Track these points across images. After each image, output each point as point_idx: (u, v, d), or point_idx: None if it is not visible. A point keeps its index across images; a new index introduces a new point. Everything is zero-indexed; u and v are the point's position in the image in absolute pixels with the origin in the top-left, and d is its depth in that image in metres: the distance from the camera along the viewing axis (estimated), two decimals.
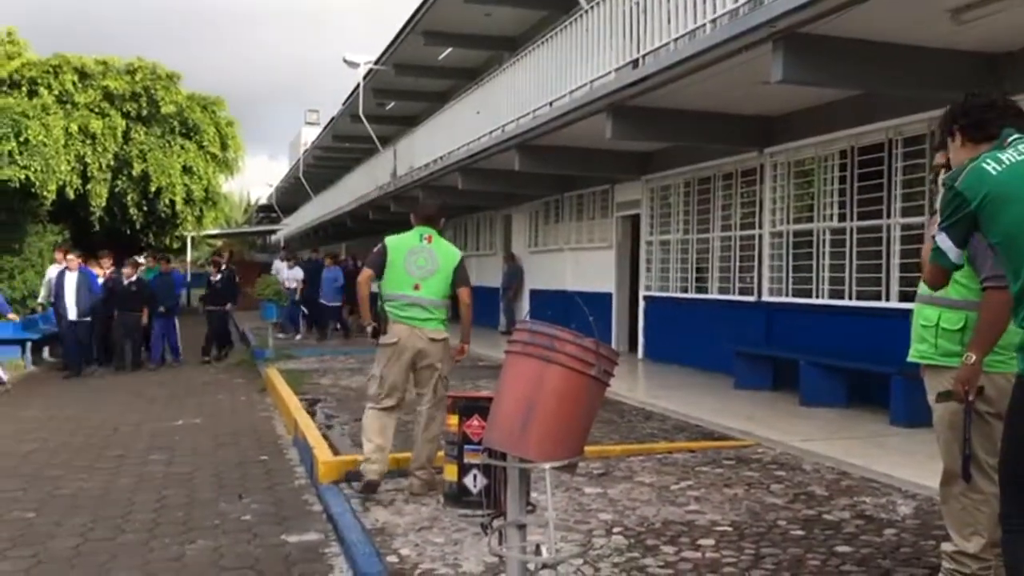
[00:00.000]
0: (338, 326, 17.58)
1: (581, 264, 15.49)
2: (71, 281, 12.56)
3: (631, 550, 4.29)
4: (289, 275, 17.47)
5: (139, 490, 5.90)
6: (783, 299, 10.21)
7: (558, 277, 16.18)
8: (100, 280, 13.24)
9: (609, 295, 14.19)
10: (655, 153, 12.71)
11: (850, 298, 9.09)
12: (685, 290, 12.26)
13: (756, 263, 10.67)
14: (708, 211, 11.72)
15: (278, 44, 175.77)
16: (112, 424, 8.46)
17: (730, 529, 4.63)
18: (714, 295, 11.55)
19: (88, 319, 12.64)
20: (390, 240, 5.52)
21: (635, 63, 9.36)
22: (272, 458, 6.96)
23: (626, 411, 8.42)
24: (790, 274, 10.10)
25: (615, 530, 4.61)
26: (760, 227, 10.62)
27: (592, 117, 10.18)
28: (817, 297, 9.60)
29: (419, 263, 5.40)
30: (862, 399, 8.50)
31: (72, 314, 12.45)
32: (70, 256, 12.96)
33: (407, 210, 6.72)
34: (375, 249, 5.60)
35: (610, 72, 9.89)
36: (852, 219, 9.11)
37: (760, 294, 10.59)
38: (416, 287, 5.37)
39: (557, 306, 14.03)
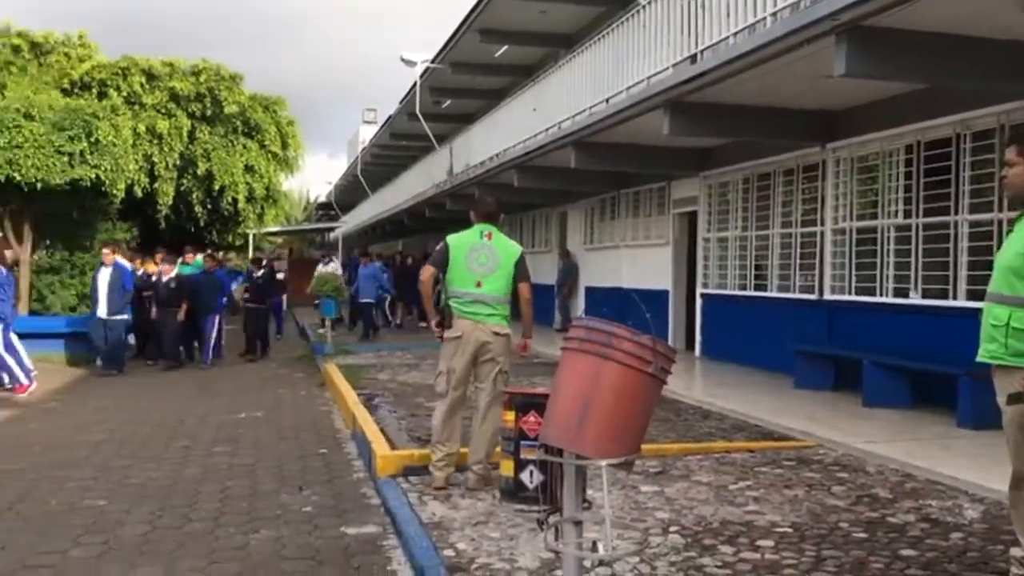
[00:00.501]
0: (375, 324, 17.54)
1: (637, 261, 15.40)
2: (103, 278, 12.34)
3: (688, 549, 4.26)
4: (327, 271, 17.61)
5: (204, 480, 6.05)
6: (846, 297, 10.01)
7: (614, 274, 16.11)
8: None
9: (666, 292, 14.08)
10: (713, 149, 12.57)
11: (915, 296, 8.88)
12: (744, 288, 12.10)
13: (818, 260, 10.48)
14: (768, 207, 11.55)
15: (338, 44, 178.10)
16: (178, 416, 8.69)
17: (790, 530, 4.57)
18: (774, 293, 11.38)
19: (123, 317, 12.41)
20: (452, 238, 5.58)
21: (693, 58, 9.26)
22: (331, 451, 7.08)
23: (683, 409, 8.36)
24: (853, 272, 9.89)
25: (672, 529, 4.59)
26: (822, 224, 10.43)
27: (649, 113, 10.11)
28: (881, 295, 9.39)
29: (480, 260, 5.45)
30: (927, 400, 8.29)
31: (103, 311, 12.18)
32: (104, 251, 12.80)
33: (463, 208, 6.76)
34: (437, 247, 5.68)
35: (667, 68, 9.80)
36: (918, 216, 8.88)
37: (822, 292, 10.40)
38: (478, 284, 5.43)
39: (613, 303, 14.00)
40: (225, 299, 14.23)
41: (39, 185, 14.03)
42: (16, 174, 13.78)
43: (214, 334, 13.79)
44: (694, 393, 9.36)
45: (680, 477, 5.75)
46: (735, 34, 8.36)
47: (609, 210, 16.82)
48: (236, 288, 16.52)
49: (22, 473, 6.21)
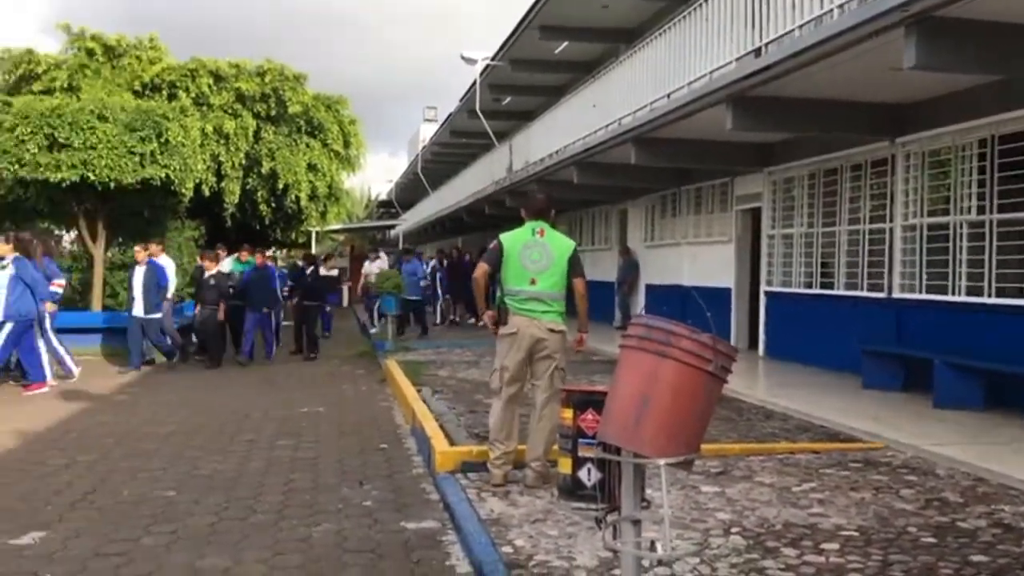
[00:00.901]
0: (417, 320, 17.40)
1: (699, 259, 15.21)
2: (137, 276, 12.27)
3: (750, 551, 4.19)
4: (370, 269, 17.56)
5: (268, 473, 6.17)
6: (916, 296, 9.74)
7: (675, 272, 15.95)
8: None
9: (728, 290, 13.88)
10: (778, 144, 12.34)
11: (989, 295, 8.58)
12: (809, 285, 11.86)
13: (886, 258, 10.21)
14: (834, 204, 11.30)
15: (400, 43, 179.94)
16: (243, 410, 8.87)
17: (856, 534, 4.47)
18: (840, 291, 11.13)
19: (157, 316, 12.24)
20: (505, 236, 5.59)
21: (757, 52, 9.11)
22: (391, 447, 7.15)
23: (745, 409, 8.23)
24: (923, 270, 9.62)
25: (733, 530, 4.52)
26: (891, 220, 10.16)
27: (711, 108, 9.97)
28: (953, 294, 9.10)
29: (533, 257, 5.45)
30: (1001, 402, 8.02)
31: (138, 310, 12.09)
32: (136, 248, 12.80)
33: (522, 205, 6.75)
34: (491, 245, 5.69)
35: (730, 62, 9.66)
36: (992, 212, 8.59)
37: (890, 290, 10.14)
38: (532, 281, 5.43)
39: (673, 301, 13.87)
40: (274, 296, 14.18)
41: (112, 185, 14.47)
42: (91, 174, 14.23)
43: (270, 331, 13.82)
44: (757, 393, 9.21)
45: (742, 478, 5.66)
46: (801, 27, 8.20)
47: (670, 207, 16.65)
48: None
49: (95, 464, 6.42)
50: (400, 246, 34.53)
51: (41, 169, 14.13)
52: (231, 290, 13.33)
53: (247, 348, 13.22)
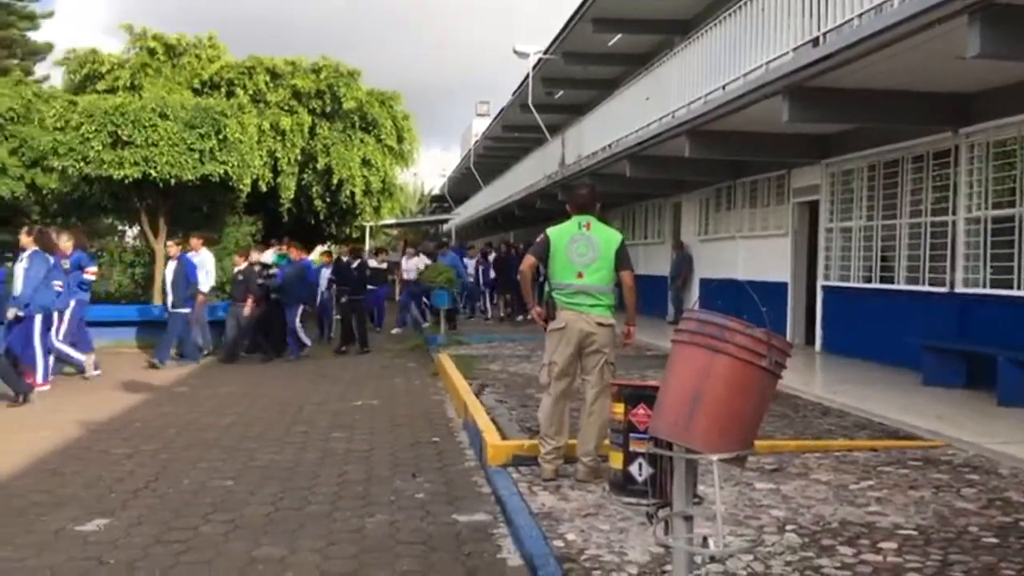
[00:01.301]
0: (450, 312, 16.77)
1: (754, 252, 15.00)
2: (169, 271, 12.27)
3: (805, 549, 4.13)
4: (407, 266, 17.16)
5: (323, 464, 6.27)
6: (979, 290, 9.47)
7: (729, 266, 15.75)
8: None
9: (784, 285, 13.66)
10: (836, 135, 12.10)
11: None
12: (868, 280, 11.61)
13: (949, 252, 9.95)
14: (895, 196, 11.04)
15: (453, 38, 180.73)
16: (298, 403, 9.02)
17: (915, 533, 4.37)
18: (901, 285, 10.88)
19: (184, 311, 12.12)
20: (552, 230, 5.58)
21: (815, 41, 8.94)
22: (443, 440, 7.21)
23: (801, 406, 8.10)
24: (988, 263, 9.35)
25: (788, 527, 4.46)
26: (954, 213, 9.89)
27: (767, 100, 9.82)
28: (1019, 288, 8.84)
29: (580, 251, 5.43)
30: None
31: (171, 304, 12.11)
32: (168, 243, 12.72)
33: None
34: (538, 239, 5.68)
35: (787, 52, 9.50)
36: None
37: (953, 285, 9.87)
38: (580, 275, 5.41)
39: (728, 296, 13.64)
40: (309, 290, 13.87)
41: (172, 181, 14.81)
42: (152, 171, 14.58)
43: (298, 325, 13.35)
44: (813, 389, 9.06)
45: (797, 475, 5.57)
46: (860, 15, 8.02)
47: (725, 200, 16.44)
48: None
49: (157, 453, 6.59)
50: (453, 240, 34.71)
51: (105, 166, 14.52)
52: (262, 286, 13.09)
53: (294, 347, 13.15)
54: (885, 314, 11.02)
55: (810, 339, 13.01)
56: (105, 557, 4.29)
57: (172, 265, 12.33)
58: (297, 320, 13.35)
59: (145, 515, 4.98)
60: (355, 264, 14.77)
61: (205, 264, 13.13)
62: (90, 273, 11.41)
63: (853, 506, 4.87)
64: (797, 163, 13.31)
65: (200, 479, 5.81)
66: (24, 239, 9.77)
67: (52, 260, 9.81)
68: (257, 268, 13.28)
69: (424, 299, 17.02)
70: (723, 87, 11.29)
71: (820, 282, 12.75)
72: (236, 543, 4.53)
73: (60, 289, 9.98)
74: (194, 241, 13.35)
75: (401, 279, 18.17)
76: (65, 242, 10.94)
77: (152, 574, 4.08)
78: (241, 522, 4.88)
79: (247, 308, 12.67)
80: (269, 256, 14.84)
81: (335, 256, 16.15)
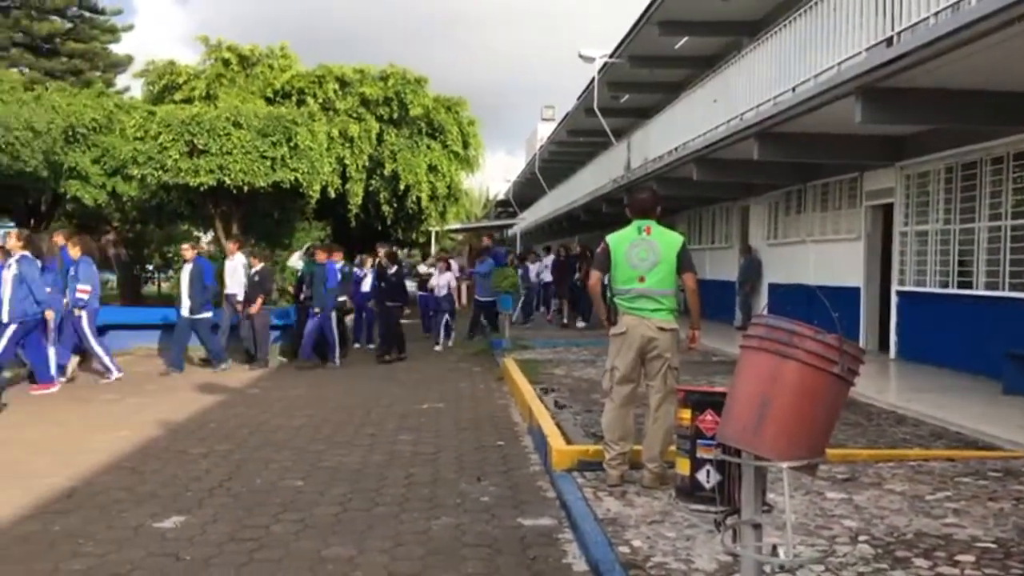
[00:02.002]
0: (482, 325, 15.83)
1: (825, 257, 14.68)
2: (184, 275, 11.84)
3: (878, 560, 4.03)
4: (438, 281, 15.56)
5: (390, 466, 6.35)
6: None
7: (799, 271, 15.44)
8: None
9: (856, 290, 13.34)
10: (911, 137, 11.77)
11: None
12: (945, 285, 11.26)
13: None
14: (973, 199, 10.68)
15: (518, 43, 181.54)
16: (366, 405, 9.15)
17: (994, 546, 4.23)
18: (980, 291, 10.51)
19: (206, 315, 11.71)
20: (611, 237, 5.56)
21: (889, 41, 8.72)
22: (508, 444, 7.23)
23: (875, 414, 7.90)
24: None
25: (861, 538, 4.35)
26: None
27: (839, 101, 9.61)
28: None
29: (641, 256, 5.40)
30: None
31: (185, 309, 11.64)
32: (184, 247, 12.31)
33: None
34: (598, 249, 5.67)
35: (860, 52, 9.29)
36: None
37: None
38: (641, 279, 5.38)
39: (797, 301, 13.43)
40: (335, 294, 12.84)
41: (245, 188, 15.20)
42: (226, 178, 15.00)
43: (330, 333, 12.61)
44: (887, 397, 8.82)
45: (871, 485, 5.44)
46: (936, 14, 7.80)
47: (795, 203, 16.13)
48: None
49: (231, 453, 6.76)
50: (517, 245, 34.78)
51: (182, 174, 15.01)
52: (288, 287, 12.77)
53: (307, 352, 12.49)
54: (963, 320, 10.67)
55: (884, 346, 12.67)
56: (182, 553, 4.42)
57: (187, 269, 11.82)
58: (332, 326, 12.60)
59: (219, 513, 5.12)
60: (392, 270, 14.09)
61: (237, 271, 12.57)
62: (82, 292, 10.44)
63: (929, 517, 4.73)
64: (870, 165, 12.99)
65: (271, 479, 5.95)
66: (12, 242, 9.68)
67: (40, 265, 9.75)
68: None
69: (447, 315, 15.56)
70: (793, 89, 11.10)
71: (895, 287, 12.42)
72: (306, 542, 4.62)
73: (85, 296, 10.27)
74: (231, 246, 13.13)
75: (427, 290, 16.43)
76: (72, 247, 10.70)
77: (226, 571, 4.19)
78: (311, 522, 4.98)
79: (253, 308, 12.20)
80: (294, 261, 14.36)
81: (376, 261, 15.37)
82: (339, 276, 13.08)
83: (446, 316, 15.50)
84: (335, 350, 12.72)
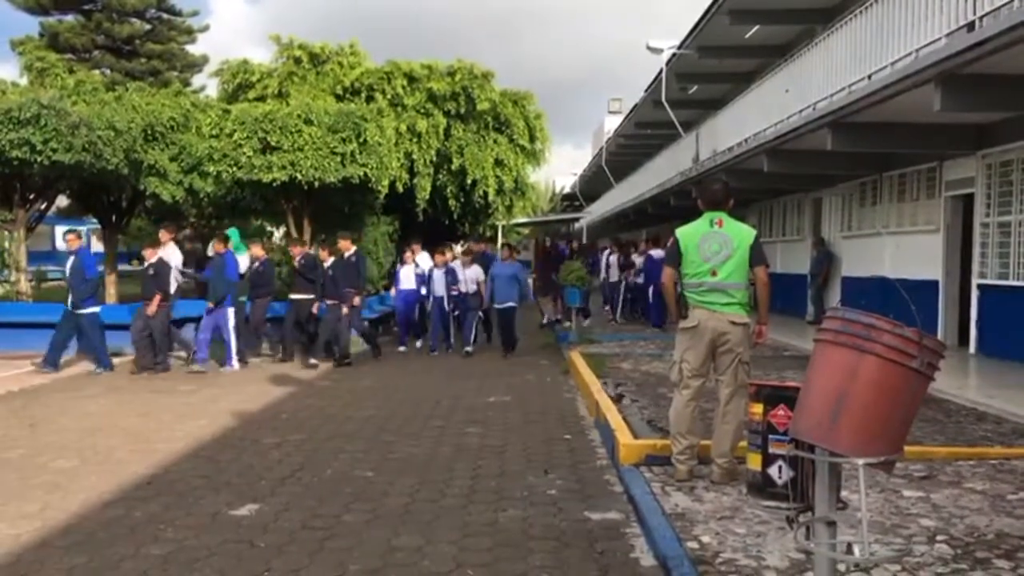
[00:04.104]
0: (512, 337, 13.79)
1: (902, 249, 14.26)
2: (67, 266, 11.02)
3: (957, 561, 3.91)
4: (467, 276, 13.80)
5: (457, 459, 6.41)
6: None
7: (875, 263, 15.03)
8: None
9: (935, 283, 12.93)
10: (993, 125, 11.34)
11: None
12: None
13: None
14: None
15: (586, 35, 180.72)
16: (434, 397, 9.24)
17: None
18: None
19: (90, 311, 10.75)
20: (681, 231, 5.49)
21: (970, 26, 8.43)
22: (575, 437, 7.22)
23: (953, 411, 7.66)
24: None
25: (939, 538, 4.23)
26: None
27: (917, 89, 9.32)
28: None
29: (713, 249, 5.32)
30: None
31: (69, 303, 10.81)
32: (69, 236, 11.17)
33: None
34: (669, 243, 5.60)
35: (939, 38, 9.00)
36: None
37: None
38: (713, 272, 5.30)
39: (873, 294, 13.08)
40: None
41: (316, 183, 15.47)
42: (298, 174, 15.29)
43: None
44: (967, 393, 8.53)
45: (949, 483, 5.28)
46: None
47: (870, 194, 15.71)
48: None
49: (303, 443, 6.91)
50: (584, 239, 34.64)
51: (255, 170, 15.35)
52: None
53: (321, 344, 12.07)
54: None
55: (964, 340, 12.26)
56: (256, 540, 4.54)
57: (71, 260, 10.89)
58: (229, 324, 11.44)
59: (292, 502, 5.24)
60: (471, 269, 13.87)
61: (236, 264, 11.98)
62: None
63: (1011, 517, 4.57)
64: (949, 155, 12.57)
65: (342, 469, 6.06)
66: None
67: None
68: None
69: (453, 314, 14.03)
70: (869, 76, 10.81)
71: (975, 280, 12.00)
72: (375, 531, 4.70)
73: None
74: (293, 249, 12.86)
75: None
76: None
77: (299, 558, 4.29)
78: (380, 512, 5.05)
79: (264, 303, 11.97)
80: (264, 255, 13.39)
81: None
82: (239, 268, 11.99)
83: (475, 314, 13.78)
84: (231, 351, 11.40)
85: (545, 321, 17.39)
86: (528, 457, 6.48)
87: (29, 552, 4.38)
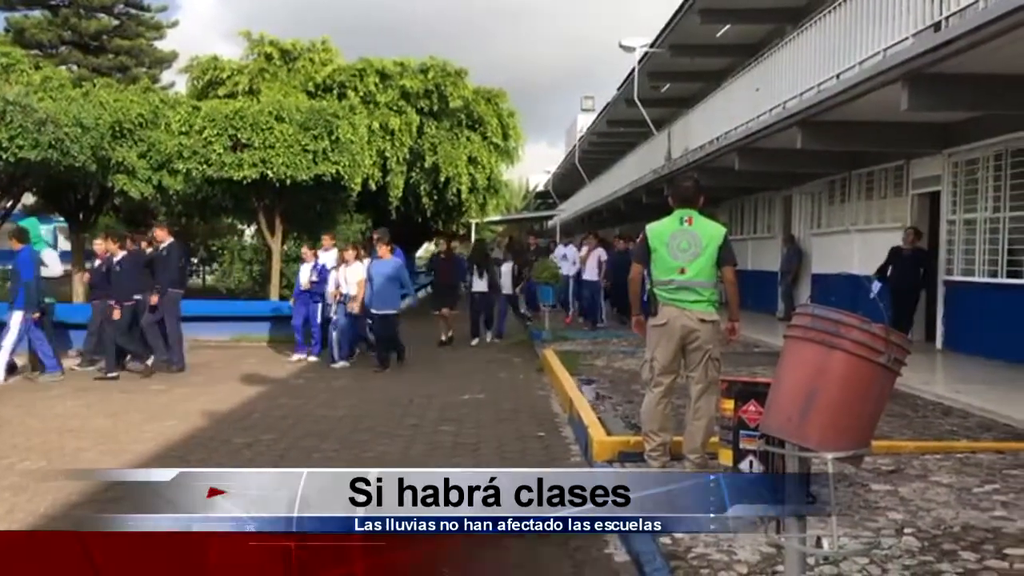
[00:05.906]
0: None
1: (870, 246, 14.44)
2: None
3: (924, 553, 3.98)
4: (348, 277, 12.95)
5: (432, 457, 6.40)
6: None
7: (844, 260, 15.21)
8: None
9: None
10: (959, 124, 11.52)
11: None
12: (994, 275, 11.02)
13: None
14: (1023, 186, 10.44)
15: (558, 33, 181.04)
16: (407, 396, 9.22)
17: None
18: None
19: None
20: (651, 227, 5.52)
21: (936, 26, 8.56)
22: (548, 435, 7.25)
23: (921, 405, 7.78)
24: None
25: (906, 531, 4.30)
26: None
27: (885, 88, 9.45)
28: None
29: (682, 246, 5.35)
30: None
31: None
32: (12, 238, 10.49)
33: None
34: (638, 240, 5.63)
35: (906, 38, 9.13)
36: None
37: None
38: (682, 271, 5.34)
39: (842, 291, 13.22)
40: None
41: (288, 181, 15.36)
42: (269, 172, 15.18)
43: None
44: (934, 388, 8.67)
45: (916, 477, 5.36)
46: None
47: (839, 192, 15.89)
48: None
49: (275, 443, 6.87)
50: (557, 236, 34.68)
51: (226, 168, 15.20)
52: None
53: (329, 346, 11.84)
54: (1012, 310, 10.44)
55: (930, 336, 12.45)
56: None
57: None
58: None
59: None
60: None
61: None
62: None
63: (977, 510, 4.65)
64: (916, 153, 12.75)
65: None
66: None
67: None
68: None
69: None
70: (837, 76, 10.94)
71: (941, 276, 12.19)
72: None
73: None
74: (326, 239, 12.80)
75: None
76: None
77: None
78: None
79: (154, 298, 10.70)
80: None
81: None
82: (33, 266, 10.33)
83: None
84: (47, 357, 10.33)
85: (444, 339, 14.46)
86: (502, 454, 6.49)
87: None
